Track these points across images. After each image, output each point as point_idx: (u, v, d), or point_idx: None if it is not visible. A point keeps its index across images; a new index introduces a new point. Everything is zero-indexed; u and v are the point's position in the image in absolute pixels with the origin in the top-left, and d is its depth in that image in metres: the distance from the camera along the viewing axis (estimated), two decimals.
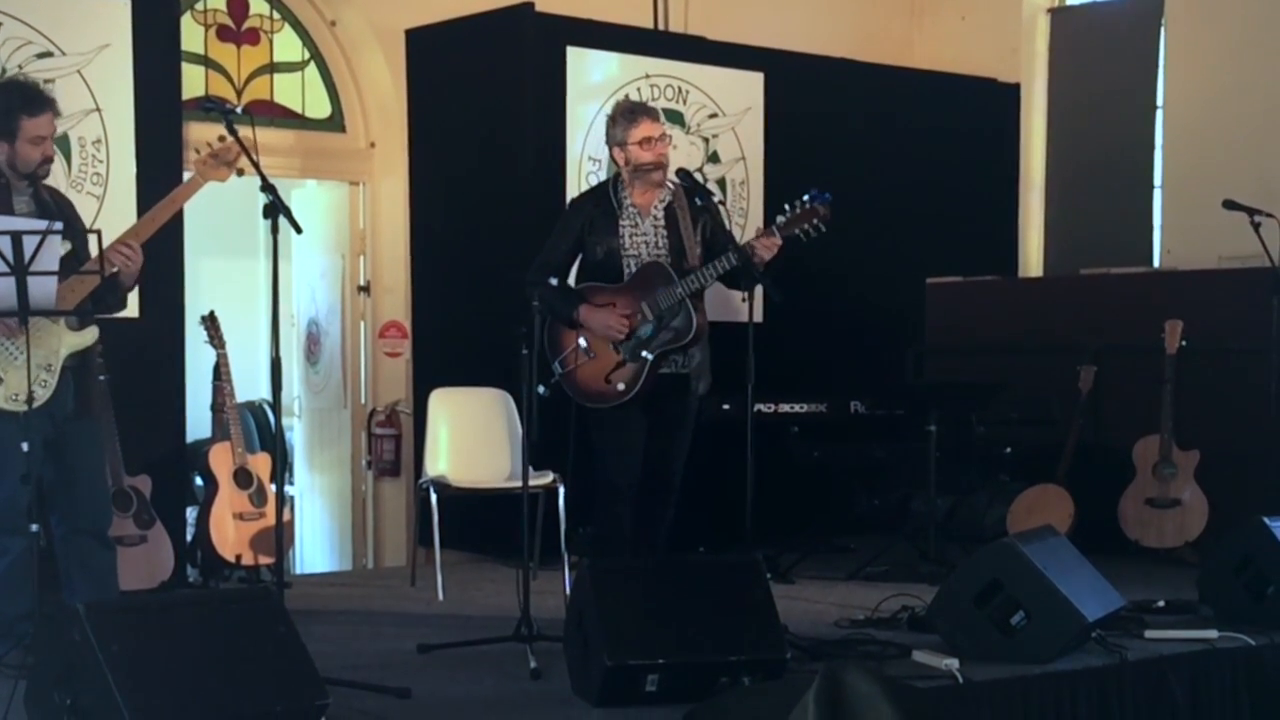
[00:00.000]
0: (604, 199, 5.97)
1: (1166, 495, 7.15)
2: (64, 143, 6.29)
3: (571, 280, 6.04)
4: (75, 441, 5.05)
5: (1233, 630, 5.24)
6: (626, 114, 5.98)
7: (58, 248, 4.65)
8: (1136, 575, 6.26)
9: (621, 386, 5.80)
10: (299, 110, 7.94)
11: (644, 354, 5.80)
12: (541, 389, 5.32)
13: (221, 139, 5.01)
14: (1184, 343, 7.18)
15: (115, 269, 4.90)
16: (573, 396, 5.86)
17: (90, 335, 4.99)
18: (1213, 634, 5.20)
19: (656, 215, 5.94)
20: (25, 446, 4.63)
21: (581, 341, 5.83)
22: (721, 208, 6.00)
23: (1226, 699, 5.09)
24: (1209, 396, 7.23)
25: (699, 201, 5.84)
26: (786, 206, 5.86)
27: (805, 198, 5.82)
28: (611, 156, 6.05)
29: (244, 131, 4.86)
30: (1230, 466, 7.03)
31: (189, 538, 6.70)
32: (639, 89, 7.60)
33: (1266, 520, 5.53)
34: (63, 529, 5.06)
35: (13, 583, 4.87)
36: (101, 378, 5.71)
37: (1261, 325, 6.69)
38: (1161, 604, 5.73)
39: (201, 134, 6.77)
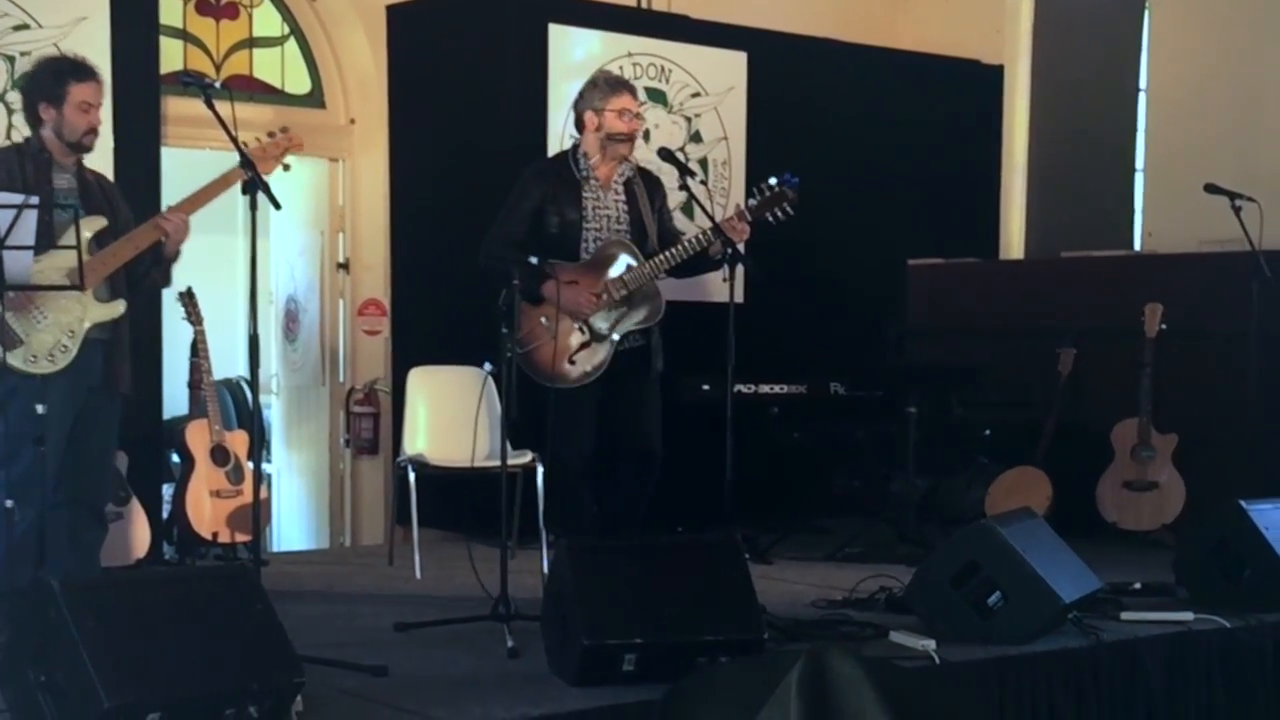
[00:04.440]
0: (565, 169, 5.93)
1: (1144, 478, 7.17)
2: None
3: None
4: (95, 415, 5.13)
5: (1208, 613, 5.25)
6: (611, 83, 5.96)
7: (33, 222, 4.65)
8: (1113, 557, 6.26)
9: (589, 368, 5.77)
10: (278, 86, 7.91)
11: (613, 335, 5.78)
12: (488, 366, 5.25)
13: (271, 134, 5.11)
14: (1164, 326, 7.19)
15: (162, 238, 5.08)
16: (531, 376, 5.78)
17: (119, 308, 5.07)
18: (1188, 616, 5.22)
19: (617, 189, 5.91)
20: (40, 409, 4.72)
21: (544, 320, 5.76)
22: (703, 187, 5.99)
23: (1201, 681, 5.11)
24: (1188, 380, 7.25)
25: (680, 182, 5.81)
26: (755, 190, 5.86)
27: (773, 181, 5.83)
28: (581, 120, 5.97)
29: (223, 107, 4.84)
30: (1208, 450, 7.05)
31: (165, 515, 6.69)
32: (621, 67, 7.56)
33: (1243, 503, 5.55)
34: (60, 497, 5.05)
35: (22, 553, 4.92)
36: None
37: (1241, 309, 6.70)
38: (1138, 586, 5.75)
39: (180, 109, 6.76)
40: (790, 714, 3.31)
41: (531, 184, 5.95)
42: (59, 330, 4.93)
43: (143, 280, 5.21)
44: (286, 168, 5.20)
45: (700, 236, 5.78)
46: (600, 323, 5.79)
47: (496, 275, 5.50)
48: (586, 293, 5.76)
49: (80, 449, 5.08)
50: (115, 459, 5.55)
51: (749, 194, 5.91)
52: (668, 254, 5.78)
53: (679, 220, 6.26)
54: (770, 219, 5.82)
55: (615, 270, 5.79)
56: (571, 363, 5.77)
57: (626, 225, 5.87)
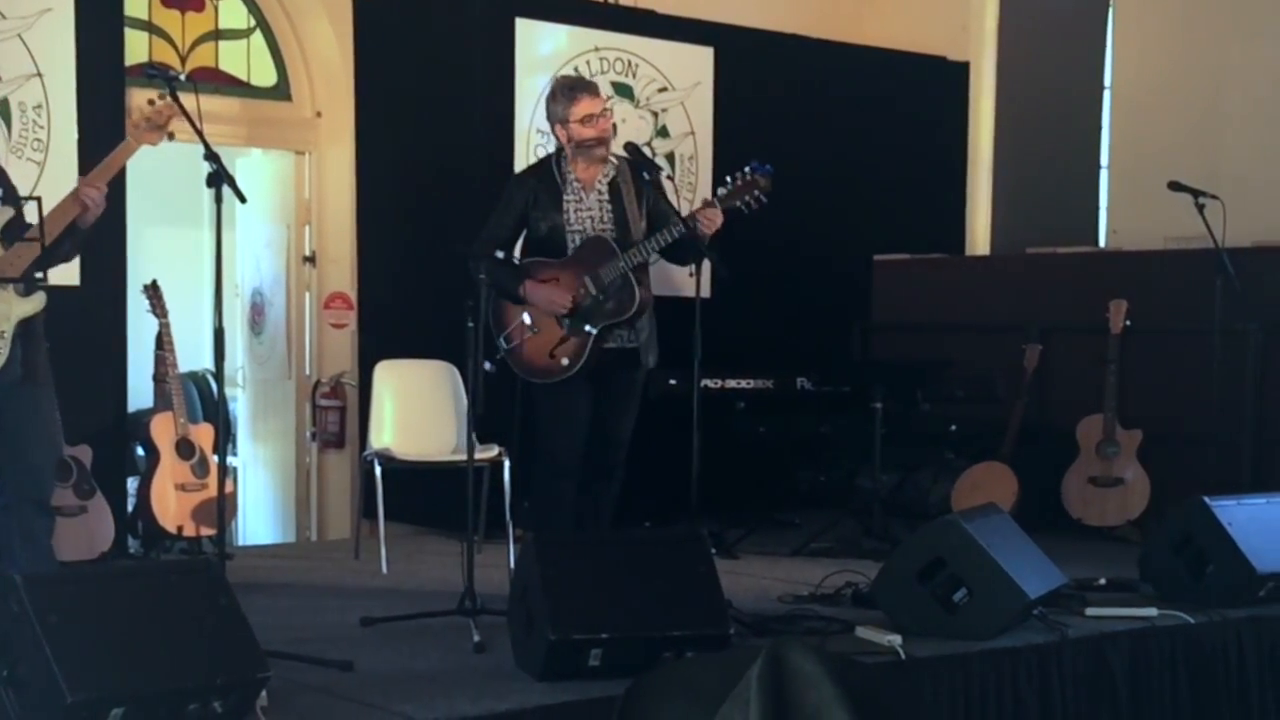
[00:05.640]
0: (547, 174, 5.95)
1: (1109, 474, 7.20)
2: (4, 108, 6.22)
3: (517, 254, 6.02)
4: (21, 408, 4.97)
5: (1172, 608, 5.27)
6: (566, 91, 5.94)
7: None
8: (1078, 553, 6.29)
9: (566, 361, 5.80)
10: (244, 78, 7.88)
11: (587, 328, 5.79)
12: (488, 365, 5.29)
13: (151, 102, 4.94)
14: (1128, 323, 7.24)
15: (81, 211, 4.85)
16: (518, 372, 5.85)
17: (39, 301, 4.92)
18: (1152, 612, 5.24)
19: (600, 190, 5.92)
20: None
21: (526, 317, 5.82)
22: (669, 183, 6.01)
23: (1165, 676, 5.13)
24: (1152, 376, 7.29)
25: (646, 176, 5.82)
26: (728, 178, 5.85)
27: (746, 169, 5.82)
28: (554, 133, 6.02)
29: (188, 99, 4.80)
30: (1172, 446, 7.09)
31: (130, 508, 6.65)
32: (588, 62, 7.57)
33: (1207, 500, 5.57)
34: (4, 498, 4.97)
35: None
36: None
37: (1204, 306, 6.74)
38: (1102, 582, 5.76)
39: (144, 101, 6.71)
40: (750, 710, 3.30)
41: (514, 193, 6.00)
42: None
43: (53, 256, 4.95)
44: (171, 136, 4.97)
45: (670, 230, 5.79)
46: (579, 317, 5.81)
47: (473, 274, 5.52)
48: (563, 289, 5.78)
49: (13, 447, 4.95)
50: (53, 448, 5.44)
51: (720, 183, 5.89)
52: (639, 247, 5.80)
53: None
54: (743, 207, 5.81)
55: (592, 266, 5.80)
56: (552, 357, 5.80)
57: (611, 225, 5.89)
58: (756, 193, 5.79)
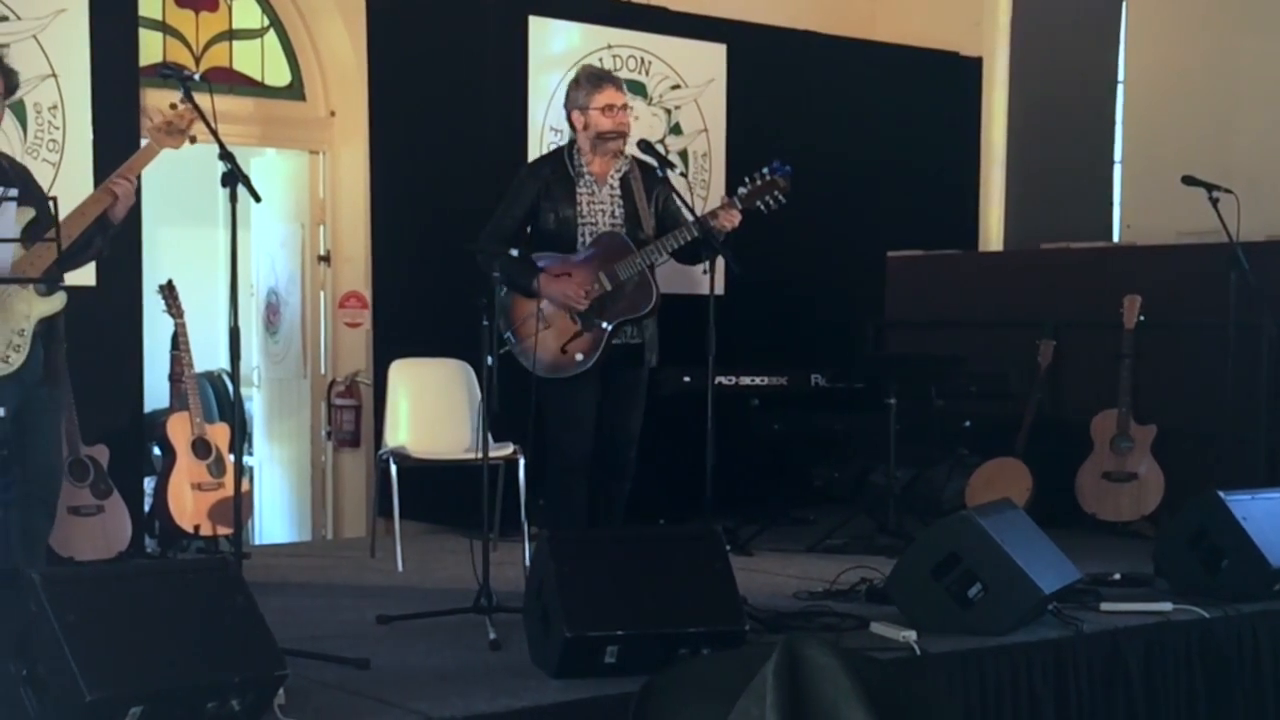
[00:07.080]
0: (560, 165, 5.96)
1: (1123, 469, 7.20)
2: (19, 108, 6.23)
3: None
4: (39, 408, 5.01)
5: (1187, 603, 5.27)
6: (592, 79, 5.97)
7: (12, 213, 4.60)
8: (1093, 548, 6.29)
9: (580, 356, 5.81)
10: (258, 78, 7.90)
11: (602, 324, 5.80)
12: (489, 360, 5.28)
13: (173, 106, 4.96)
14: (1142, 318, 7.22)
15: (112, 202, 4.86)
16: (527, 367, 5.83)
17: (59, 301, 4.94)
18: (1167, 607, 5.24)
19: (613, 184, 5.94)
20: (1, 412, 4.65)
21: (539, 309, 5.81)
22: (683, 180, 6.03)
23: (1180, 671, 5.13)
24: (1166, 371, 7.28)
25: (660, 173, 5.83)
26: (747, 179, 5.87)
27: (765, 170, 5.84)
28: (569, 120, 6.02)
29: (202, 99, 4.82)
30: (1187, 441, 7.08)
31: (147, 508, 6.68)
32: (601, 59, 7.57)
33: (1221, 494, 5.56)
34: (12, 494, 4.97)
35: None
36: None
37: (1219, 301, 6.72)
38: (1117, 577, 5.76)
39: (159, 101, 6.70)
40: (766, 705, 3.31)
41: (526, 182, 6.00)
42: (10, 330, 4.79)
43: (85, 252, 4.99)
44: (193, 140, 4.98)
45: (687, 229, 5.80)
46: (592, 312, 5.82)
47: (485, 270, 5.54)
48: (576, 284, 5.80)
49: (27, 445, 4.96)
50: (63, 447, 5.45)
51: (739, 183, 5.91)
52: (656, 244, 5.82)
53: None
54: (762, 207, 5.83)
55: (608, 261, 5.82)
56: (564, 352, 5.81)
57: (622, 219, 5.91)
58: (776, 193, 5.81)
